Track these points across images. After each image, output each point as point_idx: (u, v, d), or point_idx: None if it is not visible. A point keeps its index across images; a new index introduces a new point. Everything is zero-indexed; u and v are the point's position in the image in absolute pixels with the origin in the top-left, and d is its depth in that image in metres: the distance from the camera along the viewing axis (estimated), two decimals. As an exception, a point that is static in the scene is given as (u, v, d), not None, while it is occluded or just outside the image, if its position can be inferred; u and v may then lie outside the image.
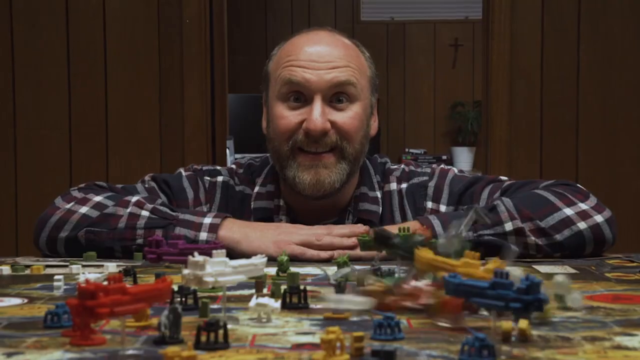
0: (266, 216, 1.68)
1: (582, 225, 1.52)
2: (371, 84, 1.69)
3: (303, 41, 1.65)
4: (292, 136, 1.62)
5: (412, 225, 1.54)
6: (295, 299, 1.03)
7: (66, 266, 1.41)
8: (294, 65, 1.61)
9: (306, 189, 1.61)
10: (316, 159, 1.61)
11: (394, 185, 1.73)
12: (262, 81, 1.73)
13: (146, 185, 1.71)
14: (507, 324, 0.84)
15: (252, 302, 0.98)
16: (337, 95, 1.62)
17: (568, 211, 1.53)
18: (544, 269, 1.37)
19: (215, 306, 1.05)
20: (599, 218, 1.54)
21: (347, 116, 1.62)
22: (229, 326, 0.87)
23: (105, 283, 0.81)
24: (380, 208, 1.70)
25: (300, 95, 1.62)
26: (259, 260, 0.99)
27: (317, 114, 1.59)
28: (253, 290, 1.14)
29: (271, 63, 1.70)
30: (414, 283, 0.99)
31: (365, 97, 1.66)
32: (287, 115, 1.62)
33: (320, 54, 1.62)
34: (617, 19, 3.23)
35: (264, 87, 1.73)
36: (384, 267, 1.16)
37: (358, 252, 1.44)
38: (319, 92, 1.60)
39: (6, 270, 1.36)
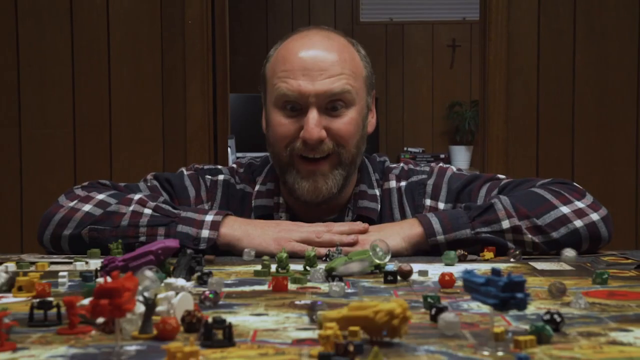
0: (266, 214, 1.70)
1: (578, 223, 1.53)
2: (367, 84, 1.70)
3: (297, 46, 1.65)
4: (290, 143, 1.63)
5: (410, 222, 1.56)
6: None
7: (70, 263, 1.43)
8: (289, 77, 1.61)
9: (304, 195, 1.63)
10: (314, 167, 1.62)
11: (393, 183, 1.74)
12: (260, 82, 1.74)
13: (148, 184, 1.72)
14: (499, 329, 0.84)
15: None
16: (332, 103, 1.62)
17: (564, 209, 1.54)
18: (540, 266, 1.39)
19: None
20: (595, 216, 1.55)
21: (343, 122, 1.63)
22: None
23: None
24: (379, 205, 1.71)
25: (296, 105, 1.63)
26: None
27: (312, 124, 1.59)
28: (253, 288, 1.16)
29: (268, 65, 1.70)
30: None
31: (361, 99, 1.67)
32: (284, 123, 1.63)
33: (314, 60, 1.62)
34: (613, 20, 3.24)
35: (262, 88, 1.73)
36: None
37: (357, 248, 1.46)
38: (314, 102, 1.60)
39: (12, 267, 1.37)
